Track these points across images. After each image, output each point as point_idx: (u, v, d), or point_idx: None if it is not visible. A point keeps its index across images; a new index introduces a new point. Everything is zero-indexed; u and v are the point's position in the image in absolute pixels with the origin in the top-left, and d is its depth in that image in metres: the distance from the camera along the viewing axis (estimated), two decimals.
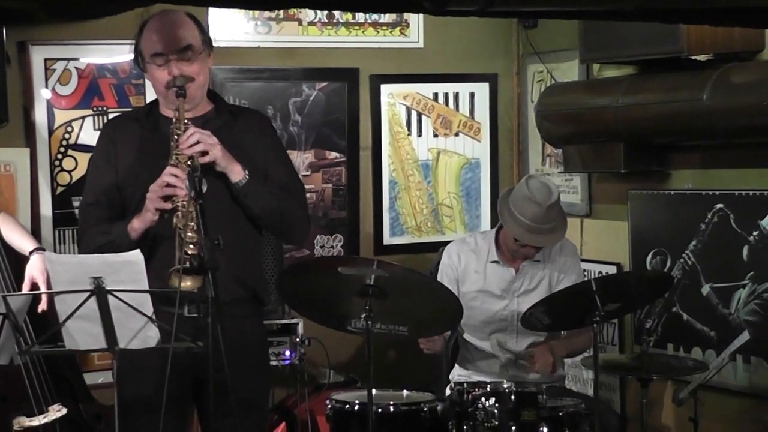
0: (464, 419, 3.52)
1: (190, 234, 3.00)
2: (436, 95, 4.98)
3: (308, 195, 3.72)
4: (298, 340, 4.28)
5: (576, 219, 4.72)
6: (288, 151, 3.71)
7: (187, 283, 2.94)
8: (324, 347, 4.29)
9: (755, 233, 4.05)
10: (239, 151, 3.26)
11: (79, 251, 3.43)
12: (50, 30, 4.25)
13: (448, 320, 3.67)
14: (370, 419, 3.38)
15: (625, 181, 4.52)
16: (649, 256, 4.43)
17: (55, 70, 4.30)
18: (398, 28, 4.88)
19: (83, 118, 4.35)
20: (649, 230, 4.44)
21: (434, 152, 5.01)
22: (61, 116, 4.33)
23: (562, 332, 4.13)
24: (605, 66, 4.57)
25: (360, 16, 4.79)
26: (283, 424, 4.33)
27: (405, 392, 3.73)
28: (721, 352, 4.14)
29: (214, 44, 3.38)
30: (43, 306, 3.47)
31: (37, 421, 3.65)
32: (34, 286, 3.54)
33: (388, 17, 4.80)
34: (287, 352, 4.28)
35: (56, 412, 3.68)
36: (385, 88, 4.87)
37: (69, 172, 4.34)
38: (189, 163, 3.13)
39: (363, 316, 3.32)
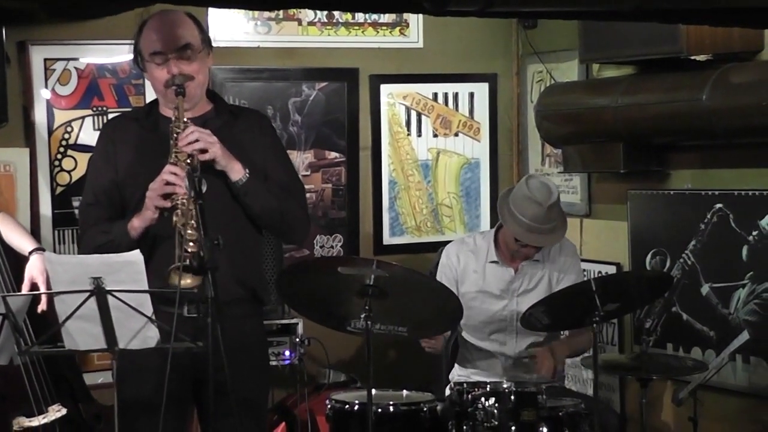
0: (464, 419, 3.52)
1: (189, 232, 3.00)
2: (435, 95, 4.98)
3: (308, 195, 3.73)
4: (297, 340, 4.28)
5: (575, 219, 4.72)
6: (288, 151, 3.71)
7: (187, 281, 2.94)
8: (324, 347, 4.29)
9: (755, 233, 4.05)
10: (239, 150, 3.26)
11: (79, 251, 3.44)
12: (50, 30, 4.25)
13: (448, 320, 3.67)
14: (370, 419, 3.38)
15: (625, 181, 4.52)
16: (649, 256, 4.43)
17: (54, 70, 4.30)
18: (398, 28, 4.88)
19: (83, 118, 4.35)
20: (648, 230, 4.44)
21: (434, 152, 5.01)
22: (60, 116, 4.33)
23: (562, 333, 4.14)
24: (605, 66, 4.57)
25: (360, 16, 4.79)
26: (283, 424, 4.33)
27: (405, 392, 3.73)
28: (720, 352, 4.14)
29: (214, 44, 3.38)
30: (42, 306, 3.47)
31: (36, 421, 3.65)
32: (34, 286, 3.54)
33: (387, 17, 4.80)
34: (287, 352, 4.28)
35: (56, 412, 3.68)
36: (385, 88, 4.87)
37: (69, 172, 4.34)
38: (188, 161, 3.13)
39: (363, 316, 3.32)
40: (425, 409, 3.59)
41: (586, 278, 4.26)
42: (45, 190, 4.30)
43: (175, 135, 3.17)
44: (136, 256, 2.97)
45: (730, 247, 4.11)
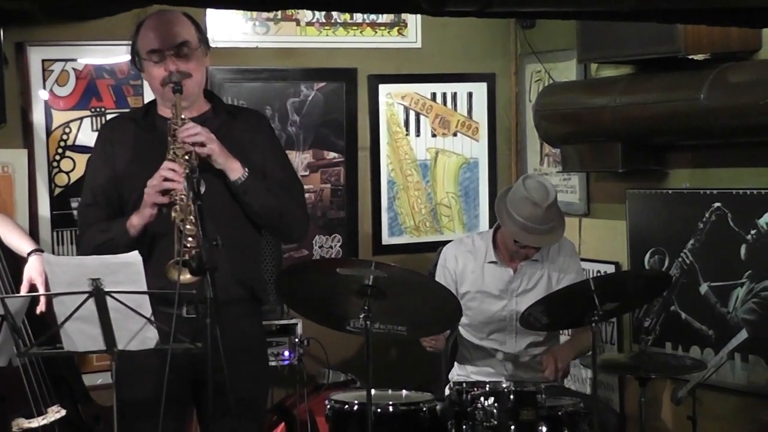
0: (463, 419, 3.52)
1: (188, 227, 3.01)
2: (434, 95, 4.98)
3: (307, 195, 3.72)
4: (297, 340, 4.28)
5: (574, 218, 4.72)
6: (286, 152, 3.71)
7: (186, 276, 2.94)
8: (323, 347, 4.29)
9: (753, 232, 4.05)
10: (238, 150, 3.26)
11: (78, 251, 3.44)
12: (48, 31, 4.25)
13: (447, 320, 3.68)
14: (370, 419, 3.38)
15: (623, 181, 4.53)
16: (648, 255, 4.44)
17: (52, 71, 4.29)
18: (396, 29, 4.88)
19: (81, 119, 4.35)
20: (647, 229, 4.44)
21: (432, 152, 5.01)
22: (59, 117, 4.32)
23: (562, 332, 4.15)
24: (603, 66, 4.58)
25: (358, 17, 4.79)
26: (283, 424, 4.33)
27: (404, 392, 3.73)
28: (719, 351, 4.14)
29: (212, 45, 3.39)
30: (41, 307, 3.47)
31: (36, 422, 3.65)
32: (33, 287, 3.54)
33: (386, 17, 4.80)
34: (286, 353, 4.28)
35: (55, 413, 3.68)
36: (384, 88, 4.87)
37: (67, 173, 4.34)
38: (186, 158, 3.14)
39: (362, 316, 3.32)
40: (424, 409, 3.60)
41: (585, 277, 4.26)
42: (43, 191, 4.29)
43: (172, 132, 3.17)
44: (135, 257, 2.97)
45: (729, 246, 4.11)
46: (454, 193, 5.05)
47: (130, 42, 3.33)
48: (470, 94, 5.04)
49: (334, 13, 4.74)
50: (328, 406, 3.65)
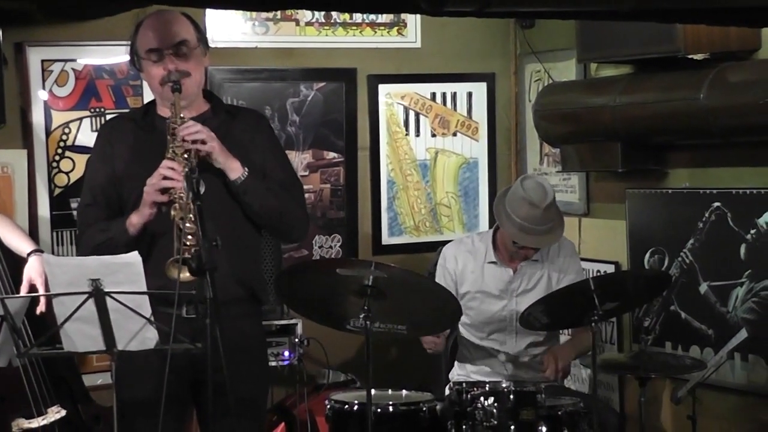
0: (463, 419, 3.52)
1: (188, 225, 3.01)
2: (433, 95, 4.98)
3: (306, 195, 3.73)
4: (297, 340, 4.28)
5: (574, 218, 4.73)
6: (286, 152, 3.71)
7: (185, 274, 2.94)
8: (323, 347, 4.30)
9: (752, 231, 4.05)
10: (237, 149, 3.27)
11: (78, 251, 3.44)
12: (47, 31, 4.25)
13: (447, 320, 3.68)
14: (370, 419, 3.38)
15: (623, 180, 4.53)
16: (647, 255, 4.44)
17: (52, 71, 4.29)
18: (396, 28, 4.88)
19: (81, 119, 4.35)
20: (646, 229, 4.44)
21: (432, 152, 5.01)
22: (58, 117, 4.32)
23: (562, 332, 4.15)
24: (602, 65, 4.58)
25: (357, 17, 4.79)
26: (283, 424, 4.33)
27: (404, 392, 3.73)
28: (719, 351, 4.14)
29: (212, 45, 3.39)
30: (41, 308, 3.47)
31: (36, 422, 3.65)
32: (32, 288, 3.54)
33: (385, 17, 4.80)
34: (286, 353, 4.28)
35: (55, 413, 3.68)
36: (383, 88, 4.87)
37: (67, 173, 4.34)
38: (186, 156, 3.14)
39: (362, 316, 3.32)
40: (424, 408, 3.60)
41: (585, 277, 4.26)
42: (43, 191, 4.29)
43: (172, 130, 3.17)
44: (135, 257, 2.97)
45: (728, 246, 4.11)
46: (453, 193, 5.05)
47: (129, 42, 3.33)
48: (470, 94, 5.04)
49: (334, 13, 4.74)
50: (328, 406, 3.65)
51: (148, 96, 3.94)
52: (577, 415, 3.56)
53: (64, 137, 4.33)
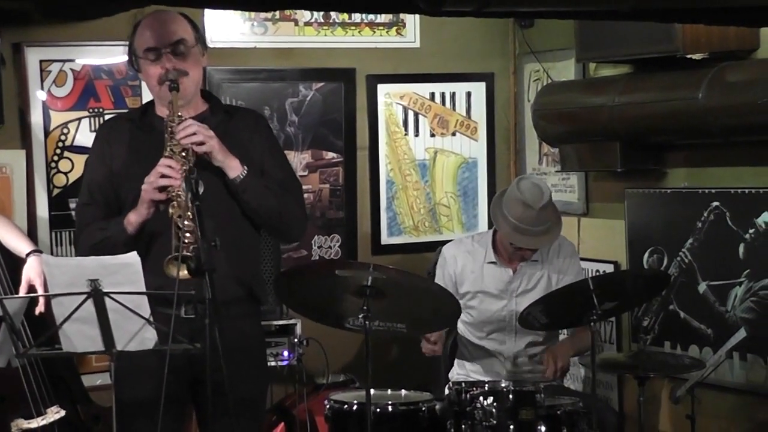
0: (462, 419, 3.52)
1: (186, 223, 3.01)
2: (432, 95, 4.98)
3: (305, 195, 3.73)
4: (296, 340, 4.28)
5: (573, 218, 4.73)
6: (285, 152, 3.71)
7: (184, 272, 2.94)
8: (322, 347, 4.29)
9: (751, 231, 4.06)
10: (236, 149, 3.26)
11: (76, 251, 3.43)
12: (45, 31, 4.24)
13: (446, 320, 3.68)
14: (369, 419, 3.38)
15: (622, 180, 4.53)
16: (646, 255, 4.44)
17: (50, 71, 4.29)
18: (395, 28, 4.88)
19: (79, 119, 4.35)
20: (645, 229, 4.45)
21: (431, 152, 5.01)
22: (57, 118, 4.32)
23: (561, 332, 4.14)
24: (601, 65, 4.58)
25: (356, 16, 4.79)
26: (282, 424, 4.33)
27: (403, 392, 3.73)
28: (717, 350, 4.14)
29: (211, 45, 3.40)
30: (40, 308, 3.47)
31: (35, 423, 3.65)
32: (31, 288, 3.54)
33: (384, 17, 4.80)
34: (285, 353, 4.28)
35: (54, 414, 3.68)
36: (382, 88, 4.87)
37: (65, 173, 4.33)
38: (183, 154, 3.14)
39: (361, 316, 3.32)
40: (424, 408, 3.60)
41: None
42: (42, 191, 4.29)
43: (170, 129, 3.17)
44: (133, 257, 2.97)
45: (727, 245, 4.12)
46: (453, 192, 5.05)
47: (127, 42, 3.33)
48: (469, 94, 5.04)
49: (333, 13, 4.74)
50: (328, 406, 3.65)
51: (146, 96, 3.94)
52: (576, 414, 3.56)
53: (63, 137, 4.33)
